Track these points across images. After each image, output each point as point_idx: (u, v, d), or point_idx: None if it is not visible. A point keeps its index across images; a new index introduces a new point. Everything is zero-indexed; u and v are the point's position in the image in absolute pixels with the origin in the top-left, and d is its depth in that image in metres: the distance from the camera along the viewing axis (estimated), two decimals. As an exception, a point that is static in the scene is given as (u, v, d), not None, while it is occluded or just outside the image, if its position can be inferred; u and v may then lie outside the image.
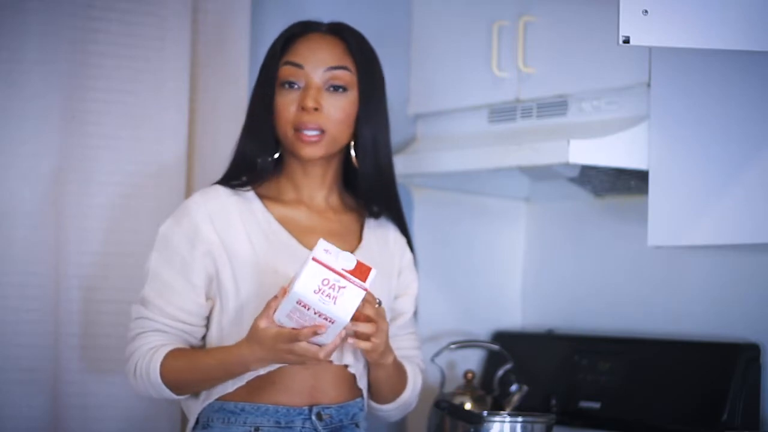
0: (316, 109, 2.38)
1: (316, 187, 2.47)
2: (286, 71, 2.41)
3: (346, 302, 2.11)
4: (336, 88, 2.40)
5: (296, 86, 2.41)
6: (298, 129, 2.39)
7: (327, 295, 2.10)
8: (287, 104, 2.40)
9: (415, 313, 2.61)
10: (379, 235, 2.53)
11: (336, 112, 2.40)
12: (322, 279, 2.10)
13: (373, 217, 2.51)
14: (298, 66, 2.41)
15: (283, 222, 2.42)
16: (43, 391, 2.78)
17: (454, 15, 3.16)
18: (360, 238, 2.49)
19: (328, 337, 2.14)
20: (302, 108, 2.38)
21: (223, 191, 2.41)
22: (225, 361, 2.29)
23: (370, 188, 2.48)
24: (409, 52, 3.26)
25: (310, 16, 2.51)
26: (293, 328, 2.14)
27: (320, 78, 2.40)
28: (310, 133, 2.39)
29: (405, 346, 2.54)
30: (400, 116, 3.24)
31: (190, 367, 2.32)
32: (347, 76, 2.42)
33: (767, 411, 2.75)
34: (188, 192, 2.90)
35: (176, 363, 2.31)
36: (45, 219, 2.79)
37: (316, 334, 2.12)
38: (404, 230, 2.58)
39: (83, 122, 2.85)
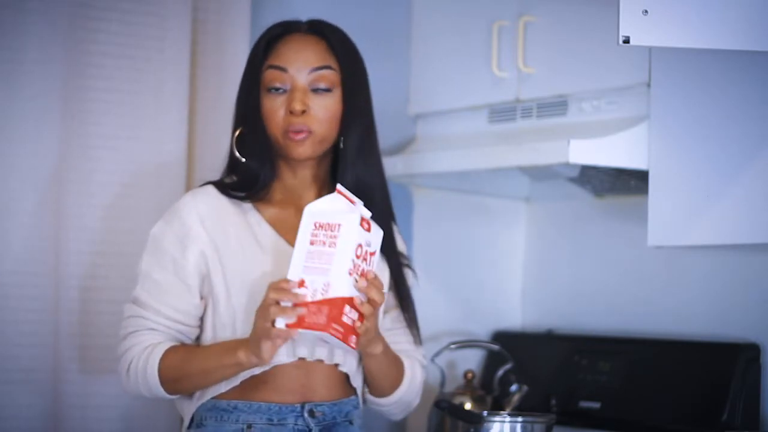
0: (303, 112, 2.38)
1: (306, 188, 2.47)
2: (270, 75, 2.40)
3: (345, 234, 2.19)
4: (321, 89, 2.40)
5: (282, 90, 2.40)
6: (286, 131, 2.39)
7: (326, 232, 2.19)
8: (276, 109, 2.39)
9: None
10: None
11: (322, 113, 2.39)
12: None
13: None
14: (282, 69, 2.39)
15: (273, 223, 2.41)
16: (43, 391, 2.78)
17: (454, 15, 3.16)
18: None
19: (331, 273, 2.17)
20: (290, 111, 2.38)
21: (213, 191, 2.41)
22: (220, 347, 2.30)
23: (355, 188, 2.46)
24: (409, 52, 3.26)
25: (309, 17, 2.50)
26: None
27: (305, 80, 2.39)
28: (298, 131, 2.38)
29: (402, 341, 2.53)
30: (400, 116, 3.25)
31: (187, 359, 2.32)
32: (332, 76, 2.41)
33: (767, 411, 2.75)
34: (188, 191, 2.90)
35: (173, 359, 2.32)
36: (45, 219, 2.79)
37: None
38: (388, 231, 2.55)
39: (83, 122, 2.85)
